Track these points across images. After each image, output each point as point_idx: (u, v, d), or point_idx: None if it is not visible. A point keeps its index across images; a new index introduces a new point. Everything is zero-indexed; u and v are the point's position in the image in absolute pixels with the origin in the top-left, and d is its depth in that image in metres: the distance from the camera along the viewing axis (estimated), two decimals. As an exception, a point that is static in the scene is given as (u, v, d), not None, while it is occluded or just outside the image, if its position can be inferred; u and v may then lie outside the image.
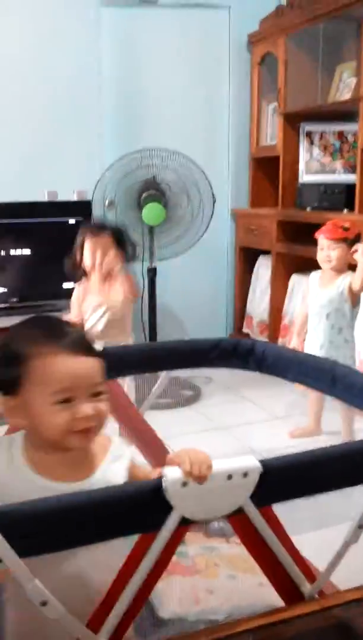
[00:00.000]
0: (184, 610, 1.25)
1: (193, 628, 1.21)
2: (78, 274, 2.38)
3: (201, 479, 0.83)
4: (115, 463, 0.95)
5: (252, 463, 0.87)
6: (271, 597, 1.04)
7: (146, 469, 1.01)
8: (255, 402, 2.91)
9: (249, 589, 1.31)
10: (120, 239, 2.36)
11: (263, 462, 0.88)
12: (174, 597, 1.26)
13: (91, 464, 0.94)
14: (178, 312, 3.58)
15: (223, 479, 0.85)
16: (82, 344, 0.90)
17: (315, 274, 2.62)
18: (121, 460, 0.96)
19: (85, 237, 2.33)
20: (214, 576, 1.35)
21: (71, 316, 2.40)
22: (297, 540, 0.98)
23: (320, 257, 2.54)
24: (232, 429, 2.70)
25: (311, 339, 2.52)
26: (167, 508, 0.83)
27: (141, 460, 1.49)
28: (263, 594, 1.21)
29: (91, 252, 2.31)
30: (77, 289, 2.43)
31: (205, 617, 1.24)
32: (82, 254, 2.34)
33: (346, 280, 2.45)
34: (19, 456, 0.92)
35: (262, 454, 2.42)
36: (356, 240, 2.46)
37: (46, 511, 0.77)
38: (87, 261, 2.33)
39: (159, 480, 0.82)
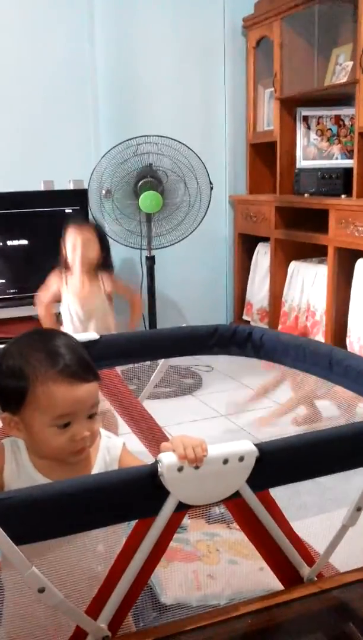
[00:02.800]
0: (186, 596, 1.25)
1: (195, 613, 1.22)
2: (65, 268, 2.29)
3: (196, 461, 0.82)
4: (107, 456, 0.97)
5: (248, 447, 0.86)
6: (272, 582, 1.05)
7: (138, 457, 1.02)
8: (256, 390, 2.91)
9: (250, 574, 1.32)
10: (102, 238, 2.29)
11: (259, 446, 0.87)
12: (176, 583, 1.26)
13: (87, 463, 0.96)
14: (177, 300, 3.57)
15: (219, 463, 0.84)
16: (81, 370, 0.91)
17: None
18: (111, 452, 0.98)
19: (67, 230, 2.26)
20: (216, 562, 1.35)
21: (39, 306, 2.35)
22: (298, 526, 0.98)
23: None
24: (233, 417, 2.70)
25: None
26: (163, 493, 0.83)
27: (141, 449, 1.49)
28: (263, 579, 1.21)
29: (73, 245, 2.23)
30: (56, 276, 2.29)
31: (207, 602, 1.25)
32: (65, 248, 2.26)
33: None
34: (24, 455, 0.96)
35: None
36: None
37: (42, 498, 0.77)
38: (68, 254, 2.24)
39: (154, 465, 0.82)
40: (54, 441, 0.90)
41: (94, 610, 0.85)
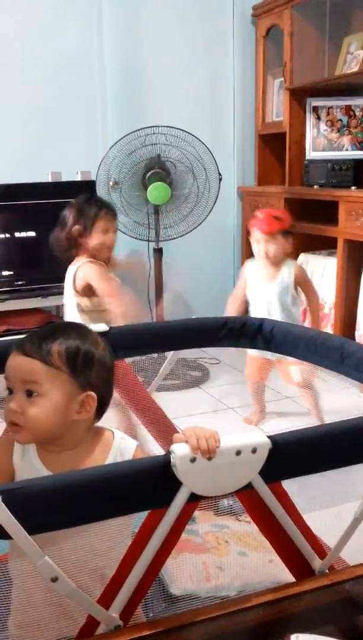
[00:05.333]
0: (196, 587, 1.25)
1: (204, 604, 1.22)
2: (72, 251, 2.16)
3: (209, 452, 0.82)
4: (119, 457, 0.96)
5: (261, 439, 0.86)
6: (282, 574, 1.04)
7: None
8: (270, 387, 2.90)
9: (259, 566, 1.32)
10: None
11: (272, 438, 0.87)
12: (185, 574, 1.26)
13: (96, 461, 0.96)
14: (185, 292, 3.55)
15: (232, 454, 0.84)
16: (26, 345, 0.94)
17: (252, 265, 2.58)
18: (124, 455, 0.97)
19: (98, 214, 2.14)
20: (225, 553, 1.35)
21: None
22: (306, 518, 0.97)
23: (257, 250, 2.51)
24: (240, 409, 2.70)
25: None
26: (176, 484, 0.82)
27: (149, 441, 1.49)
28: (273, 571, 1.21)
29: (103, 231, 2.13)
30: (99, 267, 2.14)
31: (216, 593, 1.25)
32: (85, 229, 2.13)
33: (289, 273, 2.49)
34: (32, 450, 0.96)
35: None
36: (288, 230, 2.50)
37: (55, 488, 0.77)
38: (96, 240, 2.12)
39: (167, 456, 0.82)
40: (4, 407, 0.94)
41: (106, 600, 0.85)
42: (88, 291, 2.12)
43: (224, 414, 2.65)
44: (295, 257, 3.38)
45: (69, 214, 2.19)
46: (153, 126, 2.85)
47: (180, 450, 0.81)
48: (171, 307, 3.22)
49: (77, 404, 0.94)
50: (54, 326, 1.02)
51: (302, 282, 2.53)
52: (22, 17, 3.09)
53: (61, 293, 3.01)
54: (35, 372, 0.92)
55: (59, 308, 3.16)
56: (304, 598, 0.87)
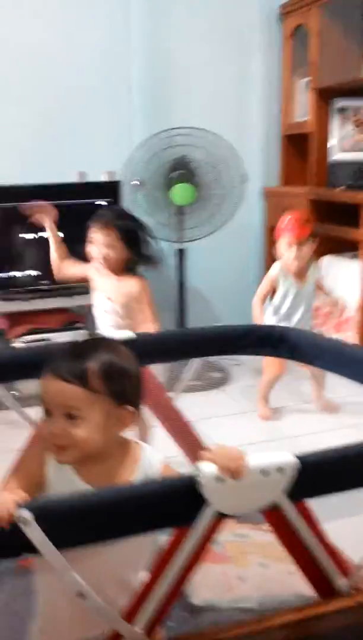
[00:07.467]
0: (217, 598, 1.26)
1: (225, 615, 1.23)
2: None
3: (236, 474, 0.82)
4: (149, 470, 0.97)
5: (288, 459, 0.86)
6: (301, 586, 1.04)
7: (179, 472, 1.01)
8: (283, 385, 2.89)
9: (279, 577, 1.32)
10: (130, 235, 2.11)
11: (299, 458, 0.87)
12: (207, 584, 1.27)
13: (127, 474, 0.96)
14: (208, 293, 3.55)
15: (258, 474, 0.84)
16: (63, 370, 0.94)
17: (280, 267, 2.65)
18: (153, 468, 0.98)
19: (91, 229, 2.16)
20: (246, 564, 1.35)
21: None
22: (328, 527, 0.96)
23: (289, 254, 2.59)
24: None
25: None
26: (202, 503, 0.83)
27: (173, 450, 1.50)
28: (293, 582, 1.21)
29: (97, 243, 2.13)
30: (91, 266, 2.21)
31: (237, 604, 1.26)
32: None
33: (314, 275, 2.67)
34: None
35: (292, 438, 2.40)
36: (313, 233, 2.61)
37: (84, 505, 0.78)
38: (92, 252, 2.15)
39: (194, 475, 0.82)
40: (43, 427, 0.96)
41: (130, 614, 0.86)
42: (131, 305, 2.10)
43: (244, 416, 2.64)
44: (319, 259, 3.35)
45: None
46: (179, 127, 2.84)
47: (207, 470, 0.82)
48: (193, 308, 3.23)
49: (115, 420, 0.95)
50: (83, 344, 1.02)
51: (320, 283, 2.70)
52: (49, 15, 3.10)
53: (85, 293, 3.04)
54: (76, 398, 0.92)
55: (83, 308, 3.18)
56: (329, 618, 0.87)
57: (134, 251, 2.11)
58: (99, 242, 2.12)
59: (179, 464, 1.72)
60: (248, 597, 1.27)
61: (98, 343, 1.02)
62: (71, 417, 0.92)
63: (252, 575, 1.32)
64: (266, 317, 2.63)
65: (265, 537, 1.42)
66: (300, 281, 2.62)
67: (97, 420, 0.93)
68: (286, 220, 2.67)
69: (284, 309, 2.63)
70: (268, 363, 2.60)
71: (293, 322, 2.61)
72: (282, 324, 2.52)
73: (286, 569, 1.26)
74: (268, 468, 0.84)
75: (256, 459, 0.84)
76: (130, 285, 2.10)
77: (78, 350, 0.97)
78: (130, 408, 0.96)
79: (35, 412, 1.07)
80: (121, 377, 0.96)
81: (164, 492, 0.82)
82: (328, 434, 2.40)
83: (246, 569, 1.34)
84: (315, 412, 2.68)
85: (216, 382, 3.03)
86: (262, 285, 2.69)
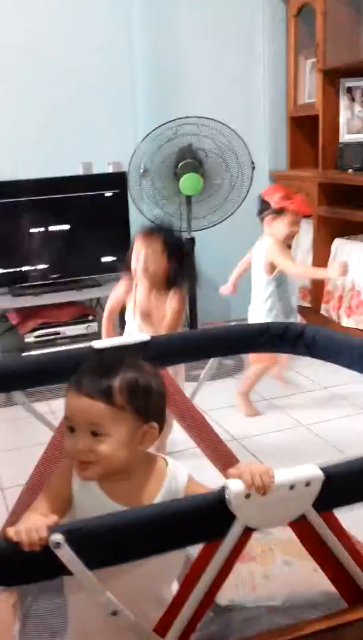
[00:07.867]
0: (242, 597, 1.28)
1: (250, 614, 1.24)
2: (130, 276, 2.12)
3: (264, 489, 0.83)
4: (173, 484, 0.98)
5: (315, 472, 0.86)
6: (326, 583, 1.05)
7: (203, 485, 1.02)
8: (298, 372, 2.89)
9: (304, 574, 1.33)
10: (174, 250, 2.06)
11: (325, 470, 0.87)
12: (232, 584, 1.28)
13: (152, 490, 0.97)
14: (219, 281, 3.53)
15: (286, 489, 0.85)
16: (88, 387, 0.95)
17: (272, 243, 2.66)
18: (178, 483, 0.99)
19: (135, 238, 2.09)
20: (270, 562, 1.37)
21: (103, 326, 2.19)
22: (343, 517, 0.96)
23: (290, 233, 2.63)
24: (275, 400, 2.70)
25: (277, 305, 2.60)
26: (231, 518, 0.84)
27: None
28: (318, 580, 1.22)
29: (137, 253, 2.05)
30: (119, 287, 2.16)
31: (262, 603, 1.27)
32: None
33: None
34: None
35: (309, 427, 2.38)
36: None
37: (116, 527, 0.79)
38: (133, 263, 2.07)
39: (222, 492, 0.83)
40: (65, 442, 0.96)
41: (162, 628, 0.88)
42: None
43: (259, 405, 2.65)
44: (330, 242, 3.33)
45: None
46: (184, 117, 2.80)
47: (235, 487, 0.82)
48: (205, 296, 3.22)
49: (139, 436, 0.96)
50: (107, 360, 1.02)
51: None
52: (53, 6, 3.05)
53: (95, 286, 3.04)
54: (100, 415, 0.93)
55: (93, 301, 3.18)
56: (358, 626, 0.88)
57: (177, 265, 2.05)
58: (141, 251, 2.05)
59: (191, 455, 1.74)
60: (273, 595, 1.29)
61: (122, 359, 1.02)
62: (95, 433, 0.93)
63: (277, 574, 1.34)
64: (270, 303, 2.60)
65: (288, 533, 1.43)
66: (290, 258, 2.67)
67: (122, 436, 0.93)
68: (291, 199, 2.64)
69: (285, 292, 2.63)
70: (257, 356, 2.48)
71: (293, 302, 2.64)
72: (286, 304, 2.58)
73: (310, 566, 1.27)
74: (295, 483, 0.85)
75: (282, 474, 0.85)
76: (169, 301, 2.07)
77: (102, 367, 0.97)
78: (154, 424, 0.97)
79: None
80: (145, 394, 0.96)
81: (194, 511, 0.82)
82: (339, 421, 2.44)
83: (270, 567, 1.35)
84: (320, 399, 2.68)
85: (229, 369, 3.04)
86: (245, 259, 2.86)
